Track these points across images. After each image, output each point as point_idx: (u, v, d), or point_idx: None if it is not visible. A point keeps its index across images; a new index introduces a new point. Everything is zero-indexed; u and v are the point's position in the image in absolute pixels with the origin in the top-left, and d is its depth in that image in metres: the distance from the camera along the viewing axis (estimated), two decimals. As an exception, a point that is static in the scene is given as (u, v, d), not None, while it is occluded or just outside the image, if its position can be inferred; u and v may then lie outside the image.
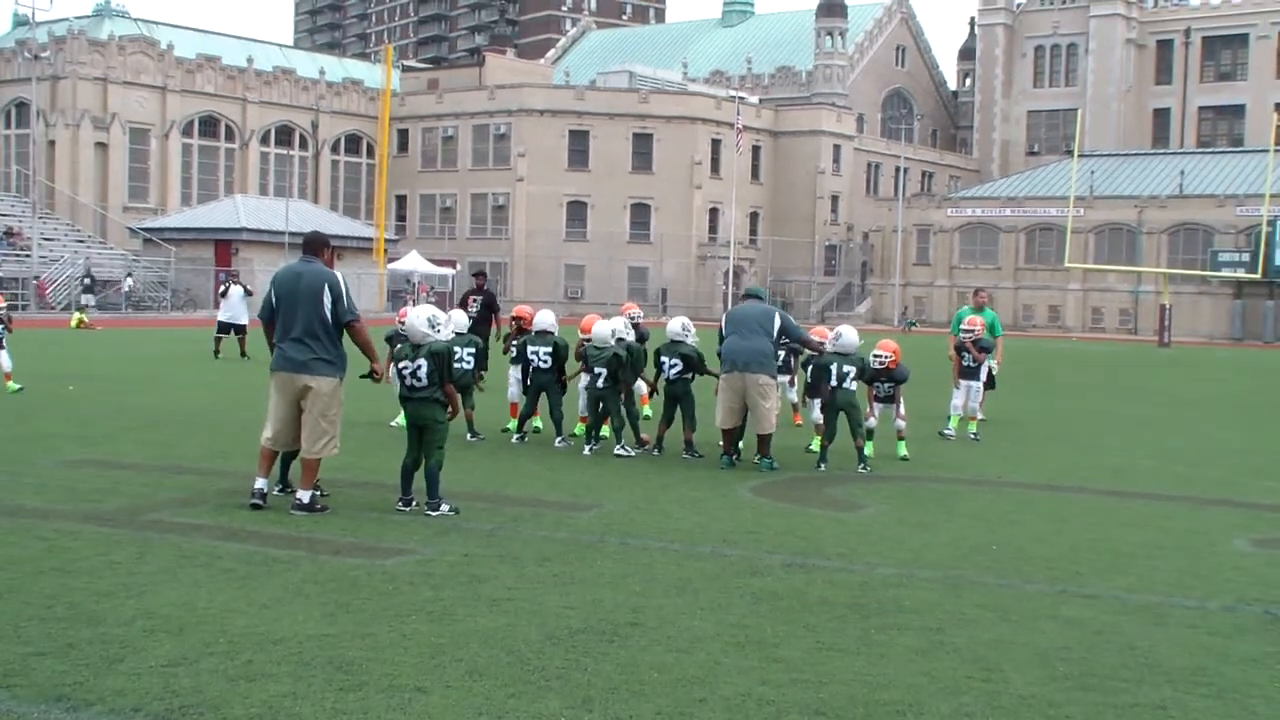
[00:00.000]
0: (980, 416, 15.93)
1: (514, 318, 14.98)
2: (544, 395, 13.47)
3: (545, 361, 13.31)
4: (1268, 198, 56.30)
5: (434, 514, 9.07)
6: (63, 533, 8.09)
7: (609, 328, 13.24)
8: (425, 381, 9.21)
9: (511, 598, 6.79)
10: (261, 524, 8.67)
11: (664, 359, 13.17)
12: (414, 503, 9.31)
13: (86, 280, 53.78)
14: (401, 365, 9.38)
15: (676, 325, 13.28)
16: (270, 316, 9.30)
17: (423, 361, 9.23)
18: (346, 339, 9.34)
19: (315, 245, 9.51)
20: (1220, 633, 6.60)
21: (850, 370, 12.54)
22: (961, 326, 16.09)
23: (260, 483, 9.20)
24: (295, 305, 9.11)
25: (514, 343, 14.50)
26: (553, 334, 13.51)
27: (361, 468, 11.45)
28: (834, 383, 12.52)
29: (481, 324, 16.46)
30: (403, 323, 15.02)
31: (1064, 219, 65.97)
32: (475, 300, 16.97)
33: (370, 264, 67.20)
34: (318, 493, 9.22)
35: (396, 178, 78.42)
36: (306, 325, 9.07)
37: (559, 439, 13.41)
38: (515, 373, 14.37)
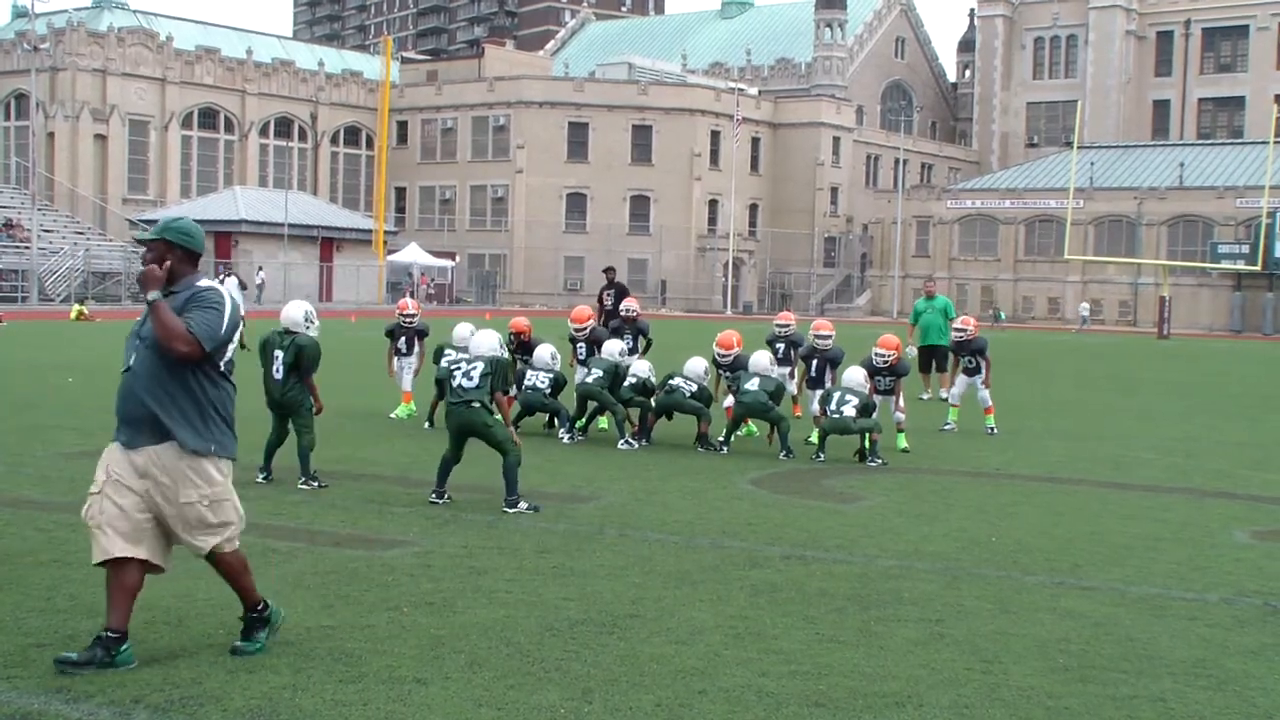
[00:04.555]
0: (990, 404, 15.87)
1: (513, 333, 14.69)
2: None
3: (543, 382, 13.21)
4: (1268, 189, 56.27)
5: (510, 511, 9.02)
6: (62, 524, 8.08)
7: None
8: (476, 383, 8.99)
9: (511, 589, 6.80)
10: (260, 515, 8.65)
11: (677, 380, 13.32)
12: (446, 495, 9.33)
13: None
14: (452, 364, 9.29)
15: (699, 367, 13.49)
16: None
17: (479, 364, 9.02)
18: None
19: None
20: (1219, 624, 6.60)
21: (852, 399, 12.35)
22: (954, 327, 16.08)
23: None
24: None
25: (517, 357, 14.26)
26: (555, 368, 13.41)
27: (359, 459, 11.46)
28: (831, 407, 12.41)
29: (616, 315, 16.78)
30: (402, 314, 15.11)
31: (1063, 211, 65.93)
32: (609, 294, 18.06)
33: (369, 256, 67.25)
34: None
35: (395, 169, 78.36)
36: None
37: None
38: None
